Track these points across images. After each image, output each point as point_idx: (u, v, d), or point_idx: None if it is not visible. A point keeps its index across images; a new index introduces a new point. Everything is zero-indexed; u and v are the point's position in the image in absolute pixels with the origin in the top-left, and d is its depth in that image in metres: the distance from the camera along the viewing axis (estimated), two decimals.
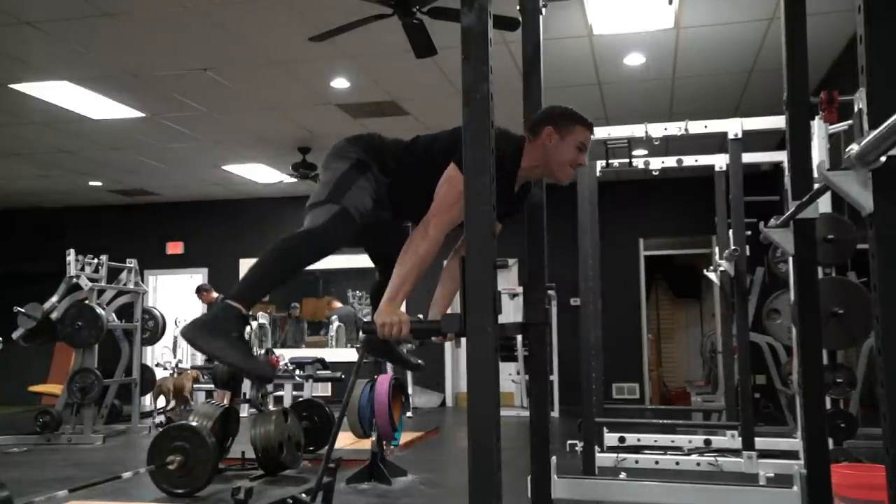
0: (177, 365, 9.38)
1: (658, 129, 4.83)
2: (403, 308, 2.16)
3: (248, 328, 2.19)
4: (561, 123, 2.29)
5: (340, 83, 6.52)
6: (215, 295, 9.32)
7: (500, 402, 1.73)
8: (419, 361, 2.82)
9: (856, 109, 4.03)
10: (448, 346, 10.39)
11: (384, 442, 5.30)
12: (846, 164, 1.46)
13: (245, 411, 7.16)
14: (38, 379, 9.61)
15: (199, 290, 9.48)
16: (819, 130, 4.40)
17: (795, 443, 4.74)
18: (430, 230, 2.16)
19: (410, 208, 2.31)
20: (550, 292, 8.56)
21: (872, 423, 4.28)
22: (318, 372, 7.14)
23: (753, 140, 5.18)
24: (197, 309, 10.96)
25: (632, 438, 5.33)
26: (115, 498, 4.79)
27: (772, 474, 4.21)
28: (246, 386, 6.20)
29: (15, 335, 7.81)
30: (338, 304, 11.04)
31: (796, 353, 3.92)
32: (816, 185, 2.13)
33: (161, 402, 8.83)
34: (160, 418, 8.32)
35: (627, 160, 5.16)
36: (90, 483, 4.68)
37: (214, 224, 11.48)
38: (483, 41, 1.73)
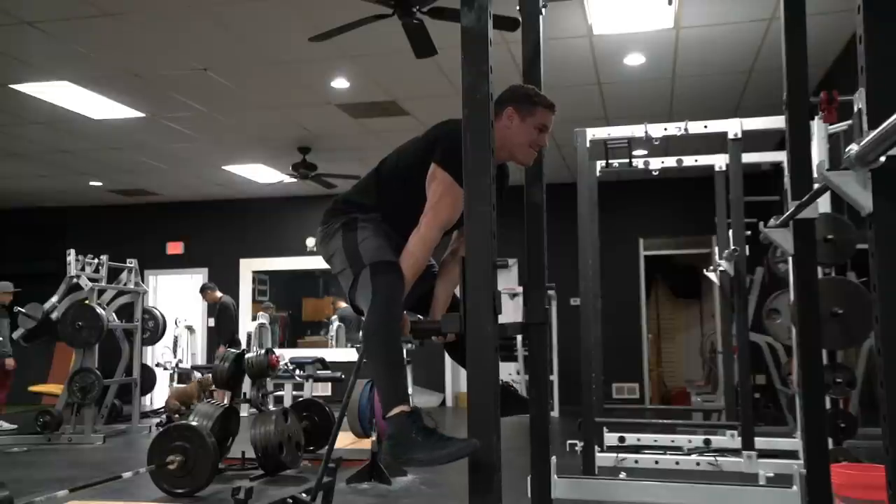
0: (177, 365, 9.37)
1: (658, 129, 4.84)
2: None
3: (424, 416, 2.15)
4: (522, 104, 2.27)
5: (340, 83, 6.52)
6: (219, 294, 9.27)
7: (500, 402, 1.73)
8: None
9: (856, 109, 4.03)
10: None
11: (384, 442, 5.29)
12: (846, 164, 1.46)
13: (245, 411, 7.16)
14: (39, 379, 9.62)
15: (203, 289, 9.43)
16: (819, 130, 4.40)
17: (795, 443, 4.74)
18: (422, 230, 2.17)
19: (410, 226, 2.27)
20: (550, 292, 8.56)
21: (872, 423, 4.28)
22: (318, 372, 7.14)
23: (753, 140, 5.18)
24: (198, 309, 10.98)
25: (632, 438, 5.33)
26: (116, 498, 4.79)
27: (772, 474, 4.21)
28: (246, 386, 6.20)
29: (15, 335, 7.83)
30: (343, 304, 11.05)
31: (796, 353, 3.92)
32: (816, 185, 2.14)
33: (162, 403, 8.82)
34: (163, 417, 8.33)
35: (627, 160, 5.16)
36: (90, 483, 4.67)
37: (215, 224, 11.48)
38: (483, 41, 1.73)
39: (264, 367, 5.83)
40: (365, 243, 2.27)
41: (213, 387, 8.25)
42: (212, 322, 10.19)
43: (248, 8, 5.08)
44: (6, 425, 7.91)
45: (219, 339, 9.12)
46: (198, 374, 8.83)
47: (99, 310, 7.39)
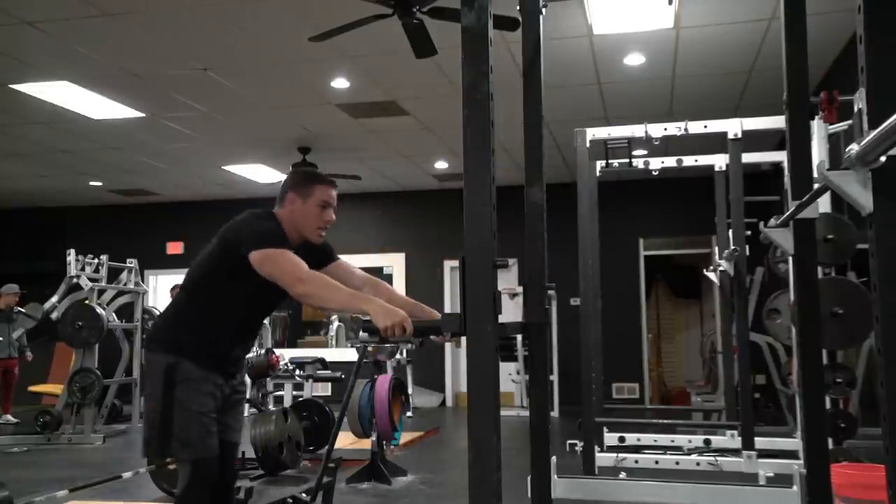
0: None
1: (658, 129, 4.84)
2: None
3: None
4: (300, 187, 2.51)
5: (340, 83, 6.51)
6: None
7: (500, 402, 1.73)
8: None
9: (856, 109, 4.03)
10: (448, 346, 10.39)
11: (384, 442, 5.30)
12: (846, 164, 1.46)
13: (245, 411, 7.15)
14: (39, 379, 9.62)
15: (175, 290, 9.08)
16: (819, 130, 4.39)
17: (795, 443, 4.74)
18: (301, 283, 2.31)
19: (228, 330, 2.56)
20: (550, 292, 8.54)
21: (872, 423, 4.27)
22: (318, 372, 7.14)
23: (753, 140, 5.18)
24: None
25: (632, 438, 5.33)
26: (116, 498, 4.79)
27: (771, 474, 4.21)
28: (245, 386, 6.20)
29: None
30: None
31: (796, 353, 3.92)
32: (816, 185, 2.13)
33: None
34: None
35: (627, 160, 5.16)
36: (90, 483, 4.68)
37: (215, 224, 11.18)
38: (483, 41, 1.72)
39: (264, 367, 5.82)
40: (186, 423, 2.39)
41: None
42: None
43: (248, 8, 5.08)
44: (11, 419, 8.00)
45: None
46: None
47: (99, 310, 7.39)
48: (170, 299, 8.95)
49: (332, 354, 9.47)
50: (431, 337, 2.30)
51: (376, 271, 11.16)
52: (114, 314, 8.02)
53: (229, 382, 2.58)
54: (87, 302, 7.44)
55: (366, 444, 5.32)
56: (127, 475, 5.03)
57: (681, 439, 5.36)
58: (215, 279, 2.50)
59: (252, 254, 2.35)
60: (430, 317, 2.43)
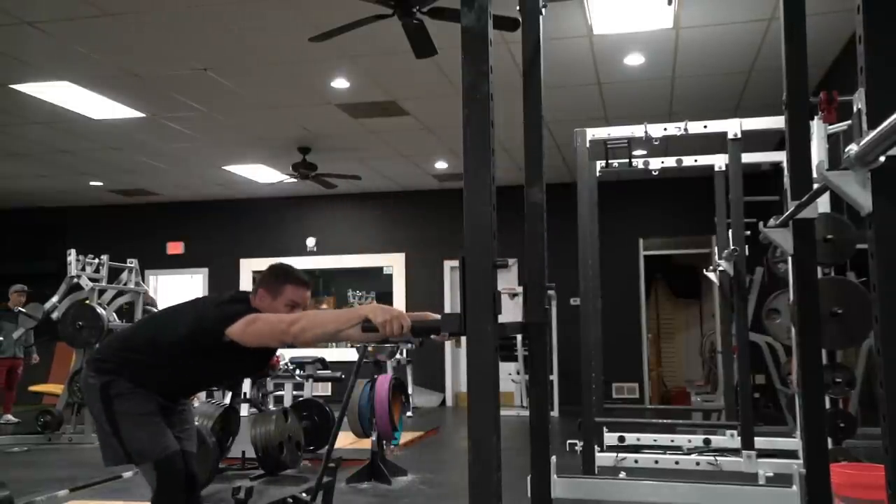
0: None
1: (658, 129, 4.84)
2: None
3: None
4: (271, 284, 2.50)
5: (340, 83, 6.52)
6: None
7: (500, 402, 1.73)
8: None
9: (855, 109, 4.03)
10: (448, 346, 10.39)
11: (384, 442, 5.30)
12: (845, 164, 1.46)
13: (245, 411, 7.16)
14: (39, 379, 9.62)
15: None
16: (818, 130, 4.39)
17: (795, 442, 4.75)
18: (293, 324, 2.27)
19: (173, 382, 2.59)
20: (550, 292, 8.52)
21: (872, 422, 4.28)
22: (318, 372, 7.14)
23: (753, 140, 5.18)
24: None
25: (631, 438, 5.33)
26: (116, 498, 4.79)
27: (771, 474, 4.21)
28: (246, 386, 6.20)
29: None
30: (325, 306, 11.04)
31: (796, 353, 3.92)
32: (816, 185, 2.13)
33: None
34: None
35: (627, 160, 5.17)
36: (90, 483, 4.68)
37: (214, 224, 11.48)
38: (483, 41, 1.73)
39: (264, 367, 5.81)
40: (134, 429, 2.45)
41: None
42: None
43: (248, 8, 5.08)
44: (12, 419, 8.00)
45: None
46: None
47: (99, 310, 7.39)
48: (159, 301, 8.76)
49: (332, 354, 9.48)
50: (432, 336, 2.31)
51: (376, 271, 11.17)
52: (114, 314, 8.01)
53: (170, 402, 2.64)
54: (87, 302, 7.44)
55: (366, 444, 5.32)
56: (127, 475, 5.03)
57: (681, 439, 5.36)
58: (178, 346, 2.51)
59: (231, 328, 2.36)
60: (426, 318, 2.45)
